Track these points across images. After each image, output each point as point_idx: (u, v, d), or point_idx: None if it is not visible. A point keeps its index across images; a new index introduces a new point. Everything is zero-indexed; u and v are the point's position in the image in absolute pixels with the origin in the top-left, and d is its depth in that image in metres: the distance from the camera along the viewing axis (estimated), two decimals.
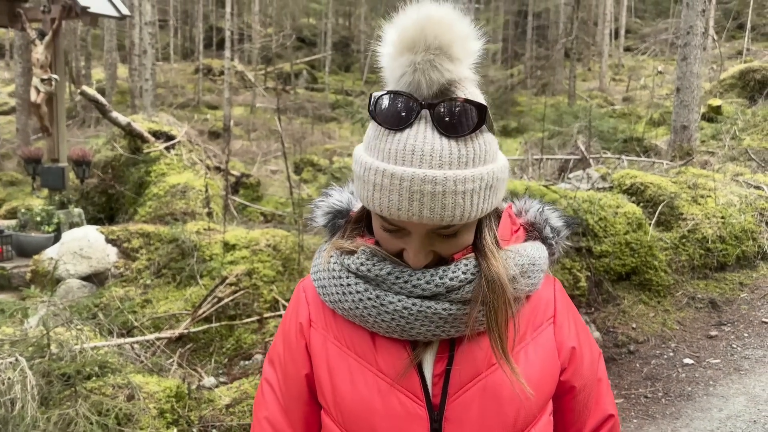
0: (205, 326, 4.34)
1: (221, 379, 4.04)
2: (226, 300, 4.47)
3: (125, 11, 7.08)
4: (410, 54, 0.83)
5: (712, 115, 14.08)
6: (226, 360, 4.29)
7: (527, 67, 25.32)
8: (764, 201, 6.13)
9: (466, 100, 0.84)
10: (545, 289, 1.03)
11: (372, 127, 0.90)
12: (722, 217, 5.54)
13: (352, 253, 0.96)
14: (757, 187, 6.52)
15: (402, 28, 0.84)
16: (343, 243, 0.98)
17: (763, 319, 4.69)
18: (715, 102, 14.79)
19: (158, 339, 4.16)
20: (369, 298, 0.91)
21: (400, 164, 0.83)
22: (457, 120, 0.83)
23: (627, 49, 30.25)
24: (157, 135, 7.97)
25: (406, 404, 0.92)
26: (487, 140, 0.88)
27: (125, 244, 5.21)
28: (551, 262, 1.03)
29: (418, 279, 0.90)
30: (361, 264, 0.93)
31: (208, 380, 3.92)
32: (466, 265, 0.90)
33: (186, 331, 4.28)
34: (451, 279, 0.89)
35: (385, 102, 0.86)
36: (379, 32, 0.91)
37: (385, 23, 0.88)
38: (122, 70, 23.94)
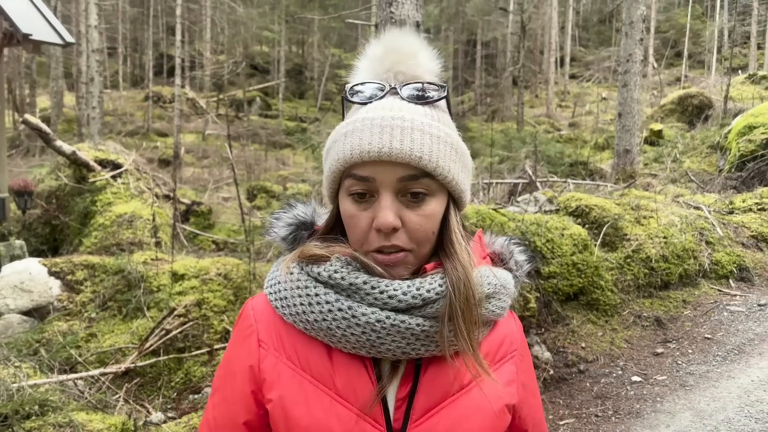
0: (153, 360, 4.22)
1: (170, 414, 3.91)
2: (174, 332, 4.36)
3: (69, 38, 6.94)
4: (380, 64, 0.95)
5: (654, 138, 14.66)
6: (175, 394, 4.17)
7: (477, 94, 25.91)
8: (703, 221, 6.37)
9: (428, 82, 0.94)
10: (509, 323, 1.03)
11: (346, 113, 0.97)
12: (664, 237, 5.72)
13: (321, 260, 0.91)
14: (697, 208, 6.78)
15: (373, 54, 0.96)
16: (313, 249, 0.93)
17: (706, 336, 4.84)
18: (657, 126, 15.41)
19: (103, 374, 4.02)
20: (340, 309, 0.86)
21: (372, 113, 0.89)
22: (421, 92, 0.92)
23: (572, 77, 31.34)
24: (104, 163, 7.79)
25: (366, 429, 0.88)
26: (448, 120, 0.95)
27: (69, 277, 5.04)
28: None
29: (394, 290, 0.86)
30: (335, 271, 0.88)
31: (156, 416, 3.80)
32: (442, 277, 0.88)
33: (132, 365, 4.15)
34: (428, 290, 0.86)
35: (359, 87, 0.94)
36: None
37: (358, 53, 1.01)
38: (69, 98, 23.44)
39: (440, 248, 0.92)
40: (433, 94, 0.93)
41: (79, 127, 17.96)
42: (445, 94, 0.94)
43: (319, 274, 0.90)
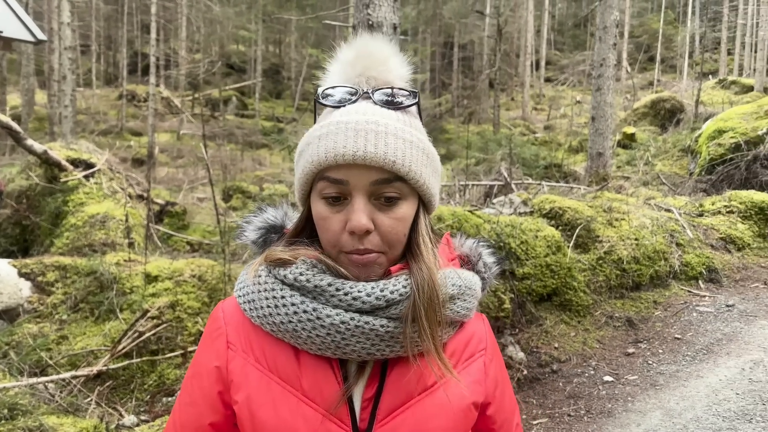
0: (126, 362, 4.17)
1: (143, 417, 3.87)
2: (147, 334, 4.31)
3: (41, 36, 6.83)
4: (352, 69, 0.95)
5: (627, 142, 14.90)
6: (148, 397, 4.13)
7: (454, 96, 26.05)
8: (674, 223, 6.49)
9: (400, 88, 0.95)
10: (477, 323, 1.05)
11: (318, 117, 0.98)
12: (636, 239, 5.82)
13: (286, 263, 0.92)
14: (668, 210, 6.91)
15: (344, 59, 0.97)
16: (277, 253, 0.94)
17: (676, 336, 4.93)
18: (630, 130, 15.66)
19: (74, 377, 3.96)
20: (305, 311, 0.88)
21: (346, 117, 0.90)
22: (394, 98, 0.94)
23: (547, 80, 31.69)
24: (76, 163, 7.67)
25: (331, 429, 0.89)
26: (419, 125, 0.97)
27: (40, 278, 4.96)
28: (482, 296, 1.06)
29: (359, 291, 0.88)
30: (300, 274, 0.90)
31: (129, 419, 3.76)
32: (406, 279, 0.90)
33: (105, 367, 4.09)
34: (392, 292, 0.88)
35: (331, 90, 0.95)
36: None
37: (329, 55, 1.02)
38: (40, 96, 23.03)
39: (407, 250, 0.94)
40: (405, 100, 0.94)
41: (51, 125, 17.65)
42: (417, 100, 0.95)
43: (285, 276, 0.91)
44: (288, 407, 0.90)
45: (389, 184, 0.89)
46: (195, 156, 17.59)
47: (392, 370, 0.92)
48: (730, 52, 34.47)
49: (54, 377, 3.90)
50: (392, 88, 0.95)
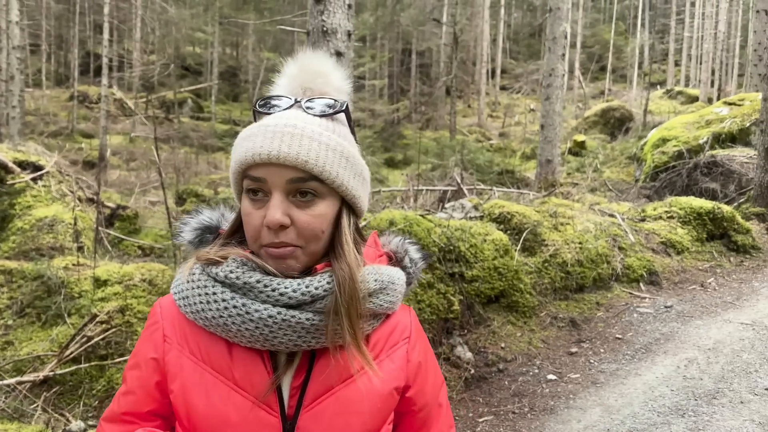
0: (73, 367, 4.12)
1: (90, 423, 3.84)
2: (96, 339, 4.27)
3: None
4: (294, 82, 1.05)
5: (578, 149, 15.32)
6: (97, 402, 4.08)
7: (412, 102, 26.26)
8: (617, 228, 6.74)
9: (331, 98, 1.03)
10: (403, 315, 1.12)
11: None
12: (580, 243, 6.03)
13: (218, 263, 0.98)
14: (611, 215, 7.17)
15: (288, 73, 1.06)
16: (208, 254, 1.01)
17: (617, 336, 5.14)
18: (580, 137, 16.10)
19: (20, 383, 3.90)
20: (234, 307, 0.94)
21: (268, 121, 0.99)
22: (320, 105, 1.01)
23: (502, 88, 32.26)
24: (24, 165, 7.50)
25: (261, 415, 0.96)
26: (345, 132, 1.04)
27: None
28: (408, 290, 1.13)
29: (285, 287, 0.94)
30: (231, 272, 0.96)
31: (76, 424, 3.72)
32: (330, 276, 0.97)
33: (51, 373, 4.04)
34: (316, 288, 0.94)
35: (269, 100, 1.04)
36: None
37: (279, 63, 1.10)
38: None
39: (331, 249, 1.01)
40: (329, 108, 1.02)
41: None
42: (342, 108, 1.03)
43: (216, 274, 0.98)
44: (219, 396, 0.97)
45: (304, 183, 0.96)
46: (148, 159, 17.28)
47: (318, 360, 1.00)
48: (677, 64, 35.76)
49: None
50: (322, 97, 1.02)
